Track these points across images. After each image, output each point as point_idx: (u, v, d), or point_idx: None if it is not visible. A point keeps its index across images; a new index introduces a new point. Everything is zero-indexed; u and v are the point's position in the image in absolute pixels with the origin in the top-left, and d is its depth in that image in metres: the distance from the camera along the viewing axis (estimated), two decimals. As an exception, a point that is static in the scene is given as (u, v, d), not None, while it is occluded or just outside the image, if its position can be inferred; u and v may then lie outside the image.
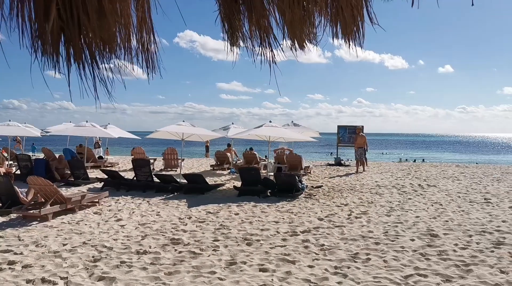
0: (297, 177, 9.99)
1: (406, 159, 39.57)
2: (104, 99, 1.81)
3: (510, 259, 4.84)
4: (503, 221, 6.77)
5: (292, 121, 17.09)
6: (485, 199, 9.02)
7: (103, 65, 1.82)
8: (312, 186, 11.01)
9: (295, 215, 7.43)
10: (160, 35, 1.93)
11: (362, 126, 20.35)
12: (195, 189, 9.92)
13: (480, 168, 17.52)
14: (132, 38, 2.07)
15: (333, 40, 1.78)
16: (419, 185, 11.40)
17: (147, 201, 8.81)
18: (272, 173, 11.68)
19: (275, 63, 1.80)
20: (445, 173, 14.85)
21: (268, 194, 9.52)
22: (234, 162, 16.13)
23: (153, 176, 10.70)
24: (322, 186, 11.14)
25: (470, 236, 5.86)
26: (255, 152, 16.10)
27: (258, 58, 1.90)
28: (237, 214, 7.52)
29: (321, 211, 7.76)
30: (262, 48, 1.76)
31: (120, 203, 8.66)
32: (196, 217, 7.20)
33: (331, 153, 50.76)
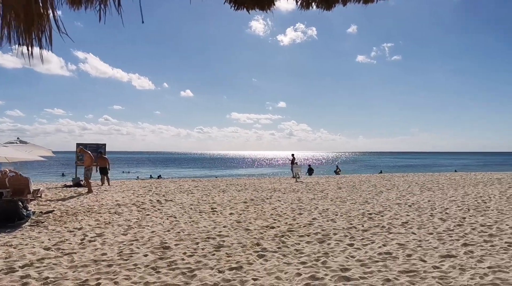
0: (20, 203, 8.53)
1: (151, 176, 40.93)
2: None
3: (227, 258, 5.60)
4: (224, 226, 7.84)
5: (18, 138, 14.61)
6: (211, 208, 10.26)
7: None
8: (41, 212, 9.64)
9: (14, 248, 6.25)
10: None
11: (105, 144, 19.75)
12: None
13: (211, 181, 19.97)
14: None
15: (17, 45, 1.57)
16: (158, 200, 11.87)
17: None
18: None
19: None
20: (181, 187, 16.10)
21: (-22, 227, 7.68)
22: None
23: None
24: (53, 210, 9.92)
25: (197, 243, 6.48)
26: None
27: None
28: None
29: (49, 239, 6.85)
30: None
31: None
32: None
33: (63, 173, 46.76)
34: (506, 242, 6.32)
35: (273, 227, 7.74)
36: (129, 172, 57.88)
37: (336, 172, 32.67)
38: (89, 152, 15.43)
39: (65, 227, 7.88)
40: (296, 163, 23.40)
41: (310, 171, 29.67)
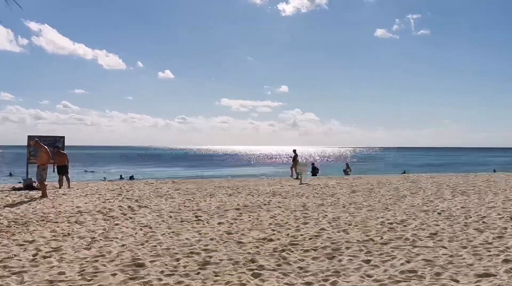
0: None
1: (121, 177, 40.94)
2: None
3: (215, 278, 5.59)
4: (211, 239, 7.85)
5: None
6: (196, 216, 10.26)
7: None
8: (-16, 221, 9.59)
9: (-50, 266, 6.21)
10: None
11: (63, 137, 19.68)
12: None
13: (195, 183, 20.00)
14: None
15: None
16: (130, 206, 11.86)
17: None
18: None
19: None
20: (159, 191, 16.10)
21: None
22: None
23: None
24: (-1, 219, 9.88)
25: (178, 260, 6.47)
26: None
27: None
28: None
29: (-6, 255, 6.81)
30: None
31: None
32: None
33: (11, 173, 46.73)
34: (557, 258, 6.35)
35: (271, 240, 7.75)
36: (93, 171, 57.88)
37: (346, 172, 32.44)
38: (45, 146, 15.35)
39: (14, 240, 7.84)
40: (298, 160, 23.43)
41: (314, 170, 29.67)
